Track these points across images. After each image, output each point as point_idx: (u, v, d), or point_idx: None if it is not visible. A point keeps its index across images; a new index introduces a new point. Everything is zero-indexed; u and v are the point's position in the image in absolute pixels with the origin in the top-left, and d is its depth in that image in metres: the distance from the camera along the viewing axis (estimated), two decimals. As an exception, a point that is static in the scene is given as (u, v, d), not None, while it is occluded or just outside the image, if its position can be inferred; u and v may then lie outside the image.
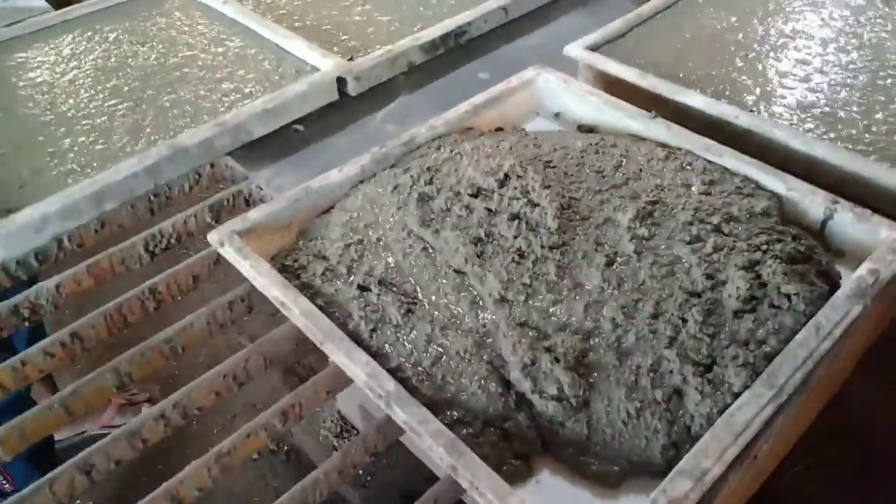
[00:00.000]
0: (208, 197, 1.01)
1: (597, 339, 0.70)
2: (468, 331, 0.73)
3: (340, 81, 1.14)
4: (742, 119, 0.97)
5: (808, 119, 0.99)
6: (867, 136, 0.94)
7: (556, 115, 1.09)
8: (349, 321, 0.76)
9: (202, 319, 0.84)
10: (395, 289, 0.78)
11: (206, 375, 0.77)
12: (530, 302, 0.74)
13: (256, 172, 1.05)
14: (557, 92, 1.07)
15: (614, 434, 0.64)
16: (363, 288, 0.79)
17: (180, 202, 1.01)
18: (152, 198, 0.98)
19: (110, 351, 0.84)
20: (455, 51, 1.26)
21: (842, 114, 0.98)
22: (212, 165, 1.03)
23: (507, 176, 0.91)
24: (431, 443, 0.62)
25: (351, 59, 1.18)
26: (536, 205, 0.84)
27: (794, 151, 0.92)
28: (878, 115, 0.98)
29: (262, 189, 1.02)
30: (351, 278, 0.80)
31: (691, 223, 0.81)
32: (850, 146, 0.93)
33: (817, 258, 0.77)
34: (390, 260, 0.82)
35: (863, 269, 0.75)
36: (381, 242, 0.84)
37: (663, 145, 0.96)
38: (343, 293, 0.79)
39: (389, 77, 1.19)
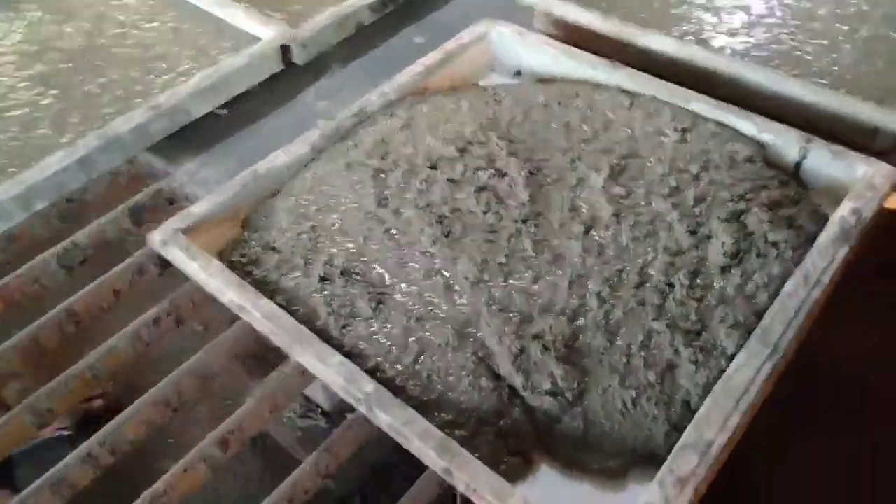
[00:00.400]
0: (126, 199, 0.92)
1: (584, 319, 0.66)
2: (446, 319, 0.68)
3: (285, 50, 1.06)
4: (711, 61, 0.93)
5: (776, 56, 0.95)
6: (835, 68, 0.91)
7: (514, 70, 1.03)
8: (315, 319, 0.70)
9: (125, 341, 0.77)
10: (360, 278, 0.73)
11: (135, 405, 0.70)
12: (509, 282, 0.70)
13: (178, 167, 0.96)
14: (512, 45, 1.02)
15: (613, 426, 0.61)
16: (325, 279, 0.73)
17: (97, 207, 0.92)
18: (65, 203, 0.89)
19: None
20: (389, 15, 1.17)
21: (808, 48, 0.95)
22: (129, 162, 0.95)
23: (468, 142, 0.86)
24: (420, 445, 0.58)
25: (294, 26, 1.10)
26: (504, 174, 0.79)
27: (766, 91, 0.88)
28: (846, 46, 0.95)
29: (186, 185, 0.93)
30: (310, 270, 0.74)
31: (669, 174, 0.77)
32: (820, 82, 0.90)
33: (804, 201, 0.74)
34: (350, 246, 0.76)
35: (844, 210, 0.72)
36: (337, 227, 0.79)
37: (627, 93, 0.91)
38: (303, 287, 0.73)
39: (338, 41, 1.11)
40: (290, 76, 1.07)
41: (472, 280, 0.70)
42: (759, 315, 0.66)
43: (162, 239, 0.76)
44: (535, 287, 0.69)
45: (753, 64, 0.92)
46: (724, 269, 0.69)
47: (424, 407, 0.62)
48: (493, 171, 0.80)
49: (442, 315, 0.68)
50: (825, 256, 0.69)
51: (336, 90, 1.07)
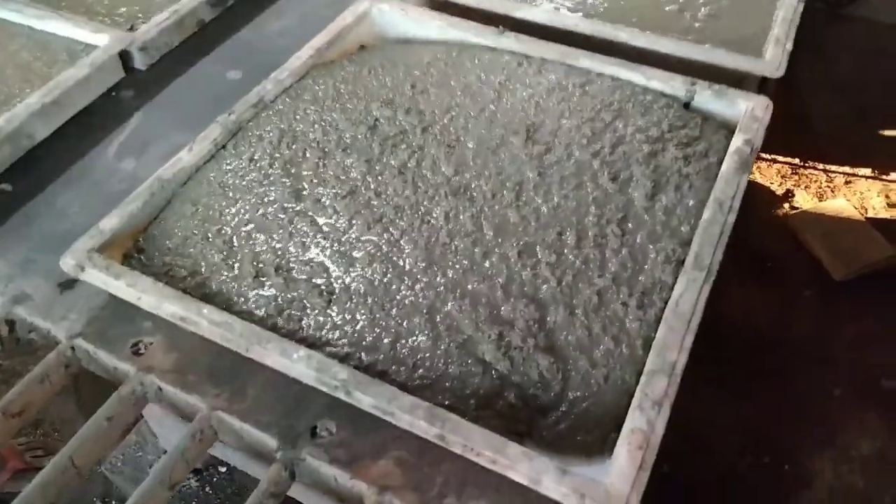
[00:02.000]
0: None
1: (543, 294, 0.70)
2: (412, 306, 0.69)
3: (125, 57, 1.00)
4: (583, 26, 0.99)
5: (635, 17, 1.03)
6: (696, 24, 1.01)
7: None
8: (261, 319, 0.69)
9: None
10: (297, 273, 0.72)
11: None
12: (462, 262, 0.72)
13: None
14: (396, 21, 1.03)
15: (593, 403, 0.64)
16: (259, 277, 0.72)
17: None
18: None
19: None
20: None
21: (667, 8, 1.04)
22: None
23: (376, 119, 0.88)
24: (410, 419, 0.60)
25: (132, 29, 1.04)
26: (421, 148, 0.81)
27: (640, 50, 0.96)
28: (700, 1, 1.05)
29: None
30: (238, 272, 0.73)
31: (583, 124, 0.83)
32: (684, 37, 0.99)
33: (704, 136, 0.83)
34: (276, 244, 0.75)
35: (738, 142, 0.82)
36: (253, 226, 0.77)
37: (516, 55, 0.96)
38: (235, 291, 0.71)
39: (180, 41, 1.06)
40: (84, 133, 0.94)
41: (424, 264, 0.72)
42: (686, 244, 0.73)
43: (76, 263, 0.71)
44: (487, 264, 0.72)
45: (624, 26, 0.99)
46: (648, 209, 0.76)
47: (416, 392, 0.62)
48: (410, 149, 0.82)
49: (406, 302, 0.69)
50: (731, 184, 0.77)
51: (143, 143, 0.93)
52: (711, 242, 0.72)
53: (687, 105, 0.90)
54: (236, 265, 0.74)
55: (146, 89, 1.00)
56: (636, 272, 0.72)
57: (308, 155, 0.84)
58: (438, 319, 0.68)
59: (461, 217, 0.76)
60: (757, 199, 2.06)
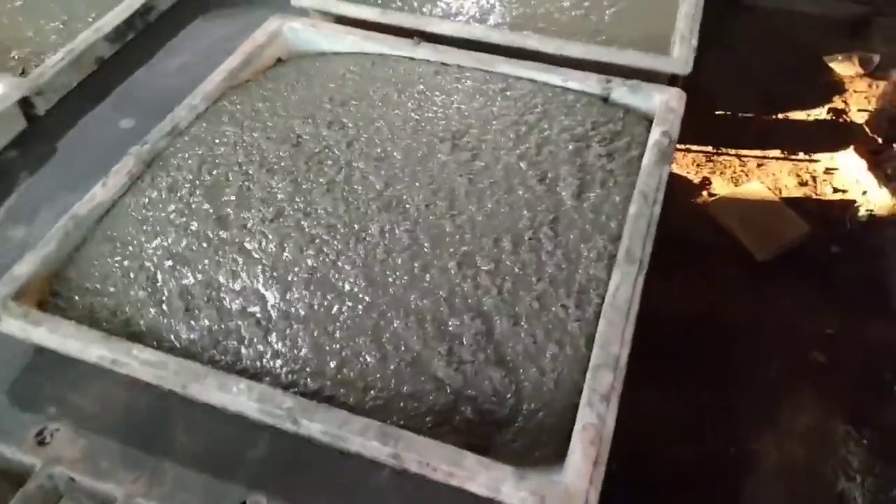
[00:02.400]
0: None
1: (487, 305, 0.70)
2: (356, 327, 0.68)
3: (25, 104, 0.94)
4: (494, 37, 1.00)
5: (542, 23, 1.05)
6: (603, 27, 1.04)
7: (316, 62, 1.04)
8: (195, 353, 0.67)
9: None
10: (230, 304, 0.70)
11: None
12: (403, 279, 0.71)
13: None
14: (309, 38, 1.02)
15: (550, 412, 0.64)
16: (191, 314, 0.70)
17: None
18: None
19: None
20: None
21: (573, 13, 1.06)
22: None
23: (299, 137, 0.87)
24: (361, 440, 0.59)
25: (23, 74, 0.98)
26: (349, 163, 0.80)
27: (553, 56, 0.97)
28: (605, 3, 1.08)
29: None
30: (166, 308, 0.70)
31: (507, 128, 0.84)
32: (593, 39, 1.01)
33: (626, 131, 0.85)
34: (200, 275, 0.73)
35: (656, 134, 0.84)
36: (177, 258, 0.74)
37: (431, 63, 0.97)
38: (170, 328, 0.69)
39: (79, 81, 1.01)
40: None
41: (364, 283, 0.71)
42: (616, 239, 0.75)
43: (-12, 312, 0.67)
44: (428, 278, 0.72)
45: (532, 33, 1.00)
46: (577, 208, 0.78)
47: (370, 414, 0.61)
48: (337, 166, 0.81)
49: (349, 323, 0.68)
50: (654, 176, 0.80)
51: (33, 208, 0.87)
52: (640, 235, 0.74)
53: (606, 99, 0.92)
54: (164, 301, 0.71)
55: (32, 146, 0.94)
56: (571, 272, 0.73)
57: (231, 179, 0.82)
58: (385, 339, 0.67)
59: (396, 232, 0.75)
60: (675, 190, 2.04)
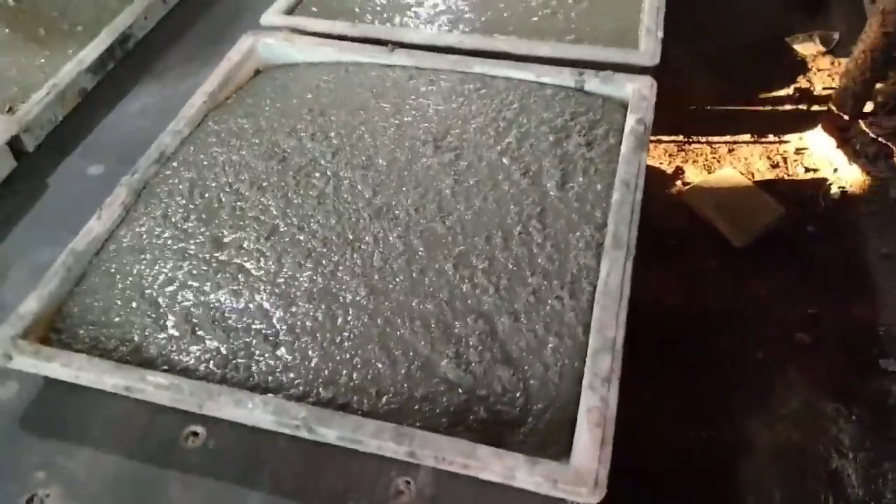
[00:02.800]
0: None
1: (487, 306, 0.72)
2: (364, 336, 0.70)
3: (15, 143, 0.95)
4: (467, 41, 1.02)
5: (511, 25, 1.07)
6: (572, 25, 1.06)
7: (293, 76, 1.06)
8: (213, 375, 0.69)
9: None
10: (236, 323, 0.72)
11: None
12: (404, 284, 0.74)
13: None
14: (285, 53, 1.04)
15: (558, 407, 0.66)
16: (198, 336, 0.72)
17: None
18: None
19: None
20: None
21: (540, 12, 1.09)
22: None
23: (285, 152, 0.89)
24: (377, 443, 0.61)
25: (10, 111, 0.98)
26: (336, 174, 0.83)
27: (525, 57, 0.99)
28: (569, 1, 1.10)
29: None
30: (176, 333, 0.72)
31: (487, 125, 0.87)
32: (563, 38, 1.04)
33: (604, 120, 0.88)
34: (207, 298, 0.75)
35: (631, 122, 0.87)
36: (178, 284, 0.76)
37: (405, 68, 0.99)
38: (180, 351, 0.71)
39: (66, 115, 1.02)
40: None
41: (366, 291, 0.73)
42: (602, 227, 0.78)
43: (3, 353, 0.68)
44: (427, 281, 0.74)
45: (503, 36, 1.03)
46: (562, 199, 0.80)
47: (385, 419, 0.63)
48: (326, 177, 0.84)
49: (356, 332, 0.71)
50: (633, 164, 0.83)
51: (3, 267, 0.85)
52: (625, 221, 0.77)
53: (581, 90, 0.95)
54: (170, 325, 0.73)
55: (22, 184, 0.94)
56: (563, 263, 0.76)
57: (223, 200, 0.84)
58: (392, 345, 0.69)
59: (390, 239, 0.78)
60: (649, 181, 2.08)
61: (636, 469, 1.36)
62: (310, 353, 0.69)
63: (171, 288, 0.76)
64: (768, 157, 2.15)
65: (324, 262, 0.76)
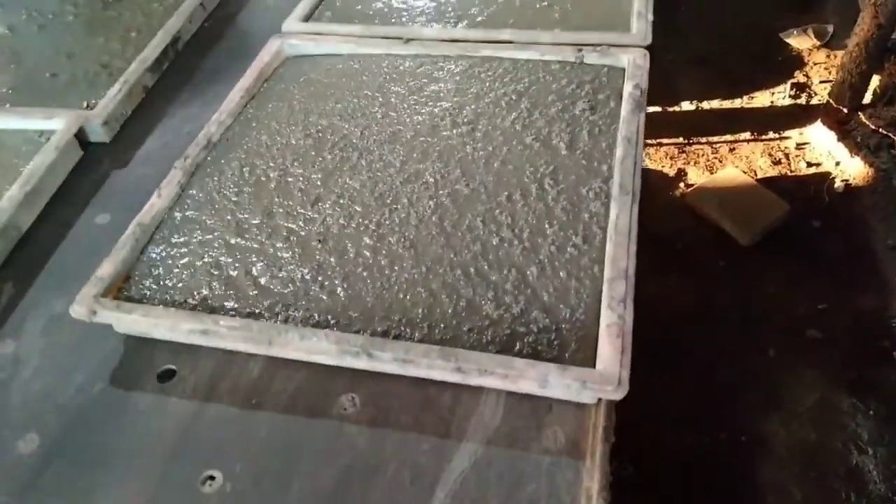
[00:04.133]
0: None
1: (516, 258, 0.81)
2: (412, 282, 0.80)
3: (82, 134, 1.07)
4: (472, 34, 1.13)
5: (511, 19, 1.17)
6: (567, 16, 1.16)
7: (319, 70, 1.16)
8: (276, 320, 0.78)
9: None
10: (294, 275, 0.82)
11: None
12: (440, 239, 0.84)
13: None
14: (308, 50, 1.15)
15: (582, 334, 0.74)
16: (259, 287, 0.81)
17: None
18: None
19: None
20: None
21: (536, 5, 1.20)
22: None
23: (318, 130, 0.99)
24: (427, 362, 0.70)
25: (89, 107, 1.10)
26: (366, 148, 0.94)
27: (527, 45, 1.09)
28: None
29: None
30: (237, 289, 0.81)
31: (499, 99, 0.97)
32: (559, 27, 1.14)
33: (605, 87, 0.99)
34: (264, 259, 0.84)
35: (629, 88, 0.98)
36: (235, 247, 0.86)
37: (415, 56, 1.11)
38: (242, 304, 0.80)
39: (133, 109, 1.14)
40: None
41: (408, 246, 0.83)
42: (608, 179, 0.88)
43: (87, 309, 0.78)
44: (460, 235, 0.84)
45: (505, 29, 1.12)
46: (571, 157, 0.90)
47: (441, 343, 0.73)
48: (356, 149, 0.94)
49: (404, 277, 0.80)
50: (632, 123, 0.93)
51: (21, 318, 0.87)
52: (629, 172, 0.87)
53: (582, 63, 1.05)
54: (231, 283, 0.82)
55: (90, 172, 1.04)
56: (576, 213, 0.86)
57: (270, 175, 0.94)
58: (437, 288, 0.79)
59: (423, 200, 0.88)
60: (652, 185, 2.10)
61: (652, 474, 1.44)
62: (363, 295, 0.79)
63: (229, 250, 0.86)
64: (770, 154, 2.16)
65: (365, 221, 0.86)
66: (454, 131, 0.96)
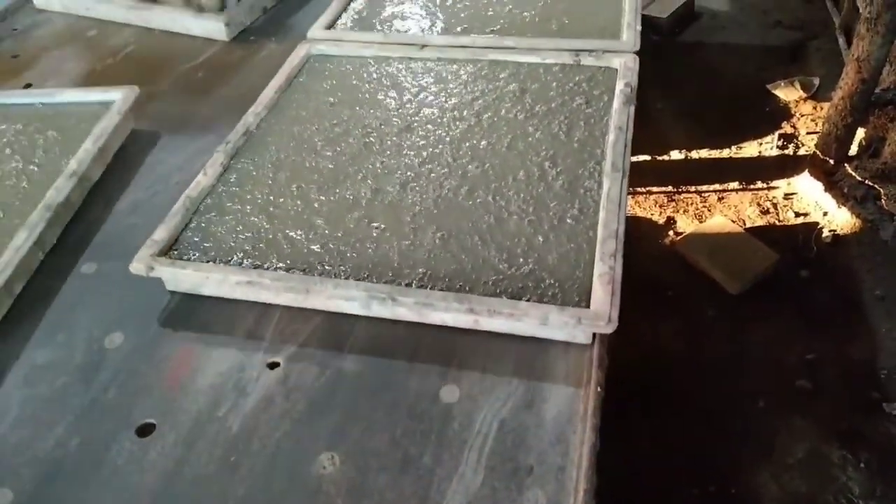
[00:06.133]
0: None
1: (525, 228, 0.93)
2: (431, 243, 0.92)
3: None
4: (480, 41, 1.29)
5: (513, 30, 1.33)
6: (564, 28, 1.32)
7: (341, 73, 1.30)
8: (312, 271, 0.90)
9: None
10: (326, 238, 0.94)
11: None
12: (457, 210, 0.96)
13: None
14: (335, 54, 1.28)
15: (580, 286, 0.84)
16: (295, 248, 0.93)
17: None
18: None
19: None
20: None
21: (535, 20, 1.35)
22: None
23: (344, 121, 1.12)
24: (444, 304, 0.82)
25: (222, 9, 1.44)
26: (388, 133, 1.07)
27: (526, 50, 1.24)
28: (560, 9, 1.37)
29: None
30: (276, 248, 0.93)
31: (503, 95, 1.10)
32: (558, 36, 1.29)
33: (599, 84, 1.12)
34: (296, 224, 0.96)
35: (620, 85, 1.12)
36: (273, 215, 0.98)
37: (428, 60, 1.24)
38: (281, 259, 0.92)
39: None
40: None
41: (427, 217, 0.95)
42: (600, 161, 1.01)
43: (145, 266, 0.90)
44: (474, 207, 0.96)
45: (509, 36, 1.28)
46: (568, 143, 1.03)
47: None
48: (381, 135, 1.08)
49: (426, 240, 0.92)
50: (623, 114, 1.06)
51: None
52: (620, 153, 1.00)
53: (579, 65, 1.19)
54: (269, 243, 0.94)
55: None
56: (574, 190, 0.98)
57: (303, 157, 1.06)
58: (456, 249, 0.91)
59: (439, 179, 1.01)
60: (642, 232, 2.13)
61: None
62: (390, 255, 0.91)
63: (267, 218, 0.98)
64: (758, 204, 2.18)
65: (389, 197, 0.99)
66: (464, 122, 1.09)
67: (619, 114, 1.06)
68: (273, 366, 0.84)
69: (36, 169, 1.10)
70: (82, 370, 0.86)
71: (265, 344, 0.87)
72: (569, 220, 0.94)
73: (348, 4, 1.45)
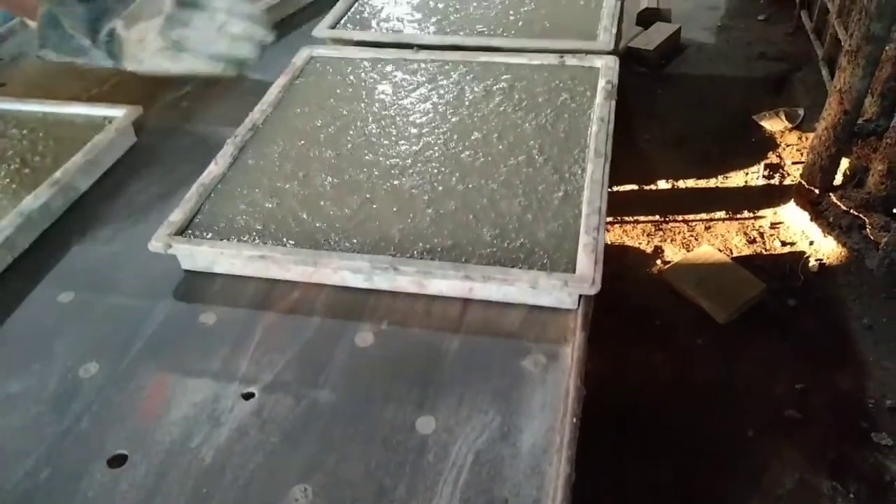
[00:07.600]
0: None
1: (516, 207, 1.01)
2: (430, 219, 1.00)
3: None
4: (469, 40, 1.40)
5: (500, 29, 1.44)
6: (545, 30, 1.42)
7: (340, 77, 1.39)
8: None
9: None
10: (334, 218, 1.02)
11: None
12: (453, 193, 1.05)
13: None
14: (335, 55, 1.37)
15: (567, 260, 0.92)
16: (304, 228, 1.00)
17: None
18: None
19: None
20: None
21: (519, 24, 1.46)
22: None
23: (343, 115, 1.21)
24: (442, 272, 0.90)
25: None
26: (386, 127, 1.16)
27: (513, 50, 1.36)
28: (542, 13, 1.47)
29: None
30: (286, 223, 1.01)
31: (494, 92, 1.19)
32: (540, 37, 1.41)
33: (584, 81, 1.22)
34: (304, 206, 1.04)
35: (602, 82, 1.21)
36: (280, 199, 1.05)
37: (425, 62, 1.34)
38: (290, 236, 0.99)
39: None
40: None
41: (427, 199, 1.03)
42: (584, 149, 1.10)
43: (163, 244, 0.97)
44: (470, 190, 1.06)
45: (496, 36, 1.40)
46: (554, 134, 1.12)
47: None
48: (380, 128, 1.16)
49: (426, 220, 1.00)
50: (605, 107, 1.15)
51: None
52: (602, 141, 1.09)
53: (563, 65, 1.28)
54: (277, 224, 1.01)
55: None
56: (560, 174, 1.07)
57: (307, 147, 1.14)
58: (453, 227, 0.99)
59: (438, 166, 1.09)
60: (630, 261, 2.17)
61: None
62: (391, 232, 0.98)
63: (277, 202, 1.05)
64: (745, 233, 2.22)
65: (391, 181, 1.07)
66: (457, 116, 1.18)
67: (601, 107, 1.16)
68: (248, 396, 0.83)
69: (29, 172, 1.15)
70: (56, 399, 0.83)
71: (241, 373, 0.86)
72: (556, 201, 1.02)
73: (351, 6, 1.55)
